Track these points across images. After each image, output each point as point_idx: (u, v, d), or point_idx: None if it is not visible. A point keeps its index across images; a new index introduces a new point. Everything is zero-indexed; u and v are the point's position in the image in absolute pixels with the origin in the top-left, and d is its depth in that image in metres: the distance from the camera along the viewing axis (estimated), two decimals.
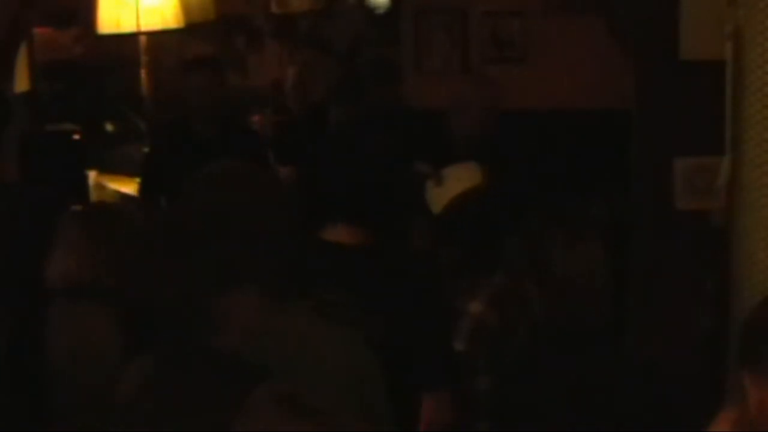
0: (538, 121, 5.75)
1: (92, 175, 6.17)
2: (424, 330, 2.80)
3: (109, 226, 3.27)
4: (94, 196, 6.00)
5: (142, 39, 5.87)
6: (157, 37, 5.89)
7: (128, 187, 5.88)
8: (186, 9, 5.75)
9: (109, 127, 7.39)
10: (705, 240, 3.81)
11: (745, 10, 2.70)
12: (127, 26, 5.46)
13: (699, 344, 3.72)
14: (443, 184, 3.93)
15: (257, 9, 7.79)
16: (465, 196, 3.63)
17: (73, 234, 3.20)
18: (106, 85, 7.71)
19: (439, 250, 3.63)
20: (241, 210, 1.97)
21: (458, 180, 3.92)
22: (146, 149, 5.67)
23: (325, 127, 6.00)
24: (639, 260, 4.11)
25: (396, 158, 3.63)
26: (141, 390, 1.92)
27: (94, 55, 7.54)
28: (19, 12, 4.72)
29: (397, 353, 2.51)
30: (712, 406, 2.93)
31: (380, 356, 2.20)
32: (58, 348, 3.12)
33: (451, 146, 4.82)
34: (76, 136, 6.29)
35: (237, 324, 1.97)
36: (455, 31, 6.34)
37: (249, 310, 1.97)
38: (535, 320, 2.74)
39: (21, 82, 5.60)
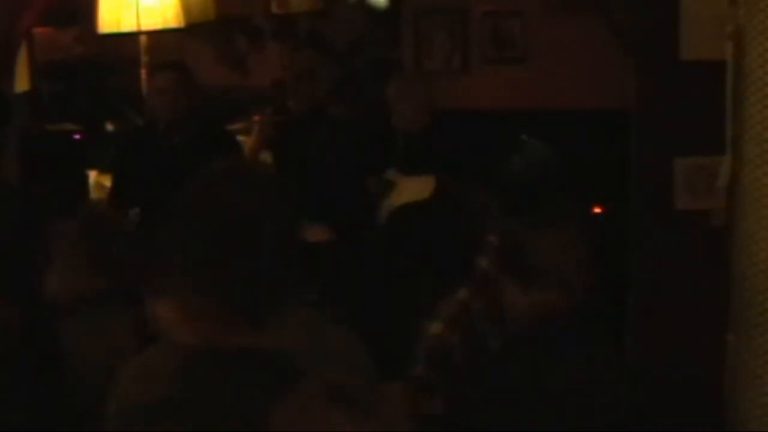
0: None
1: (92, 175, 6.17)
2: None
3: (101, 233, 3.25)
4: (94, 196, 6.00)
5: (142, 39, 5.87)
6: (157, 37, 5.89)
7: None
8: (186, 9, 5.74)
9: (109, 127, 7.39)
10: (705, 240, 3.81)
11: (745, 10, 2.70)
12: (127, 26, 5.45)
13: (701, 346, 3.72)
14: (390, 196, 3.93)
15: (257, 9, 7.78)
16: (406, 209, 3.62)
17: (68, 248, 3.18)
18: (106, 85, 7.70)
19: (387, 261, 3.62)
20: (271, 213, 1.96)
21: (406, 192, 3.91)
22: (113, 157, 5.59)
23: (326, 127, 6.00)
24: (639, 260, 4.11)
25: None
26: (169, 386, 1.89)
27: (94, 55, 7.54)
28: (19, 12, 4.72)
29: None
30: (712, 406, 2.93)
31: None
32: (78, 360, 3.10)
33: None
34: (76, 136, 6.29)
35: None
36: (455, 31, 6.33)
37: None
38: (506, 332, 2.73)
39: (21, 82, 5.59)
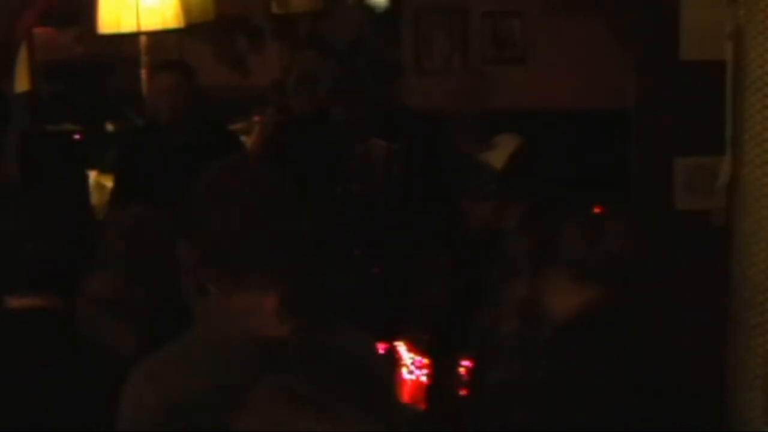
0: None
1: (92, 175, 6.17)
2: None
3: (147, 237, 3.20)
4: (94, 196, 6.00)
5: (142, 39, 5.87)
6: (157, 37, 5.89)
7: None
8: (186, 9, 5.74)
9: (109, 127, 7.39)
10: (705, 240, 3.81)
11: (745, 10, 2.70)
12: (127, 26, 5.45)
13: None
14: (497, 147, 3.99)
15: (257, 9, 7.79)
16: (522, 148, 3.73)
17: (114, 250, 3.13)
18: (106, 85, 7.71)
19: (502, 208, 3.70)
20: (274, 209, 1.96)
21: (510, 140, 3.98)
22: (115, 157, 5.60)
23: (326, 127, 6.01)
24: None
25: None
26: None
27: (94, 55, 7.54)
28: (19, 12, 4.72)
29: None
30: (712, 406, 2.93)
31: None
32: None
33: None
34: (76, 136, 6.29)
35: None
36: (455, 31, 6.34)
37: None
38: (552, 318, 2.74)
39: (21, 82, 5.59)
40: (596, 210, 4.35)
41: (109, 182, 6.07)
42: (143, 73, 5.97)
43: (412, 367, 4.50)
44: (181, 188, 2.02)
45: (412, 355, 4.54)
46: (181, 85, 4.87)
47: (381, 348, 3.09)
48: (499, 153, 3.87)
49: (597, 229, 2.65)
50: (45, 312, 2.48)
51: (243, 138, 6.10)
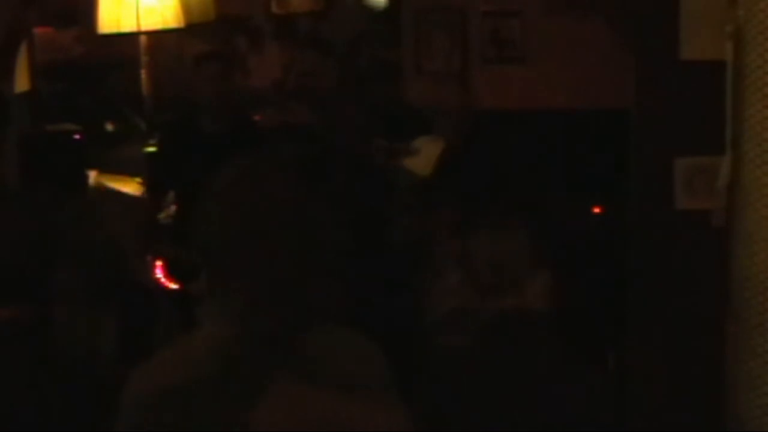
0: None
1: (92, 175, 6.17)
2: None
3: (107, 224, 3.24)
4: (93, 195, 6.00)
5: (142, 39, 5.87)
6: (157, 37, 5.89)
7: (128, 187, 5.88)
8: (186, 9, 5.75)
9: (109, 127, 7.38)
10: (705, 240, 3.81)
11: (745, 10, 2.70)
12: (127, 26, 5.46)
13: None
14: (421, 153, 3.94)
15: (257, 9, 7.79)
16: (447, 151, 3.66)
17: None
18: (106, 85, 7.70)
19: (432, 212, 3.65)
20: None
21: (432, 146, 3.92)
22: (150, 147, 5.71)
23: (326, 127, 6.01)
24: (639, 260, 4.11)
25: None
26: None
27: (94, 55, 7.54)
28: (19, 12, 4.72)
29: None
30: (712, 406, 2.93)
31: None
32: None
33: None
34: (76, 136, 6.28)
35: None
36: (455, 31, 6.34)
37: None
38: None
39: (21, 82, 5.60)
40: (596, 210, 4.35)
41: (109, 182, 6.08)
42: (143, 73, 5.97)
43: None
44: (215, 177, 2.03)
45: None
46: (224, 74, 4.96)
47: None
48: (424, 159, 3.82)
49: (493, 238, 2.63)
50: (16, 323, 2.47)
51: None
